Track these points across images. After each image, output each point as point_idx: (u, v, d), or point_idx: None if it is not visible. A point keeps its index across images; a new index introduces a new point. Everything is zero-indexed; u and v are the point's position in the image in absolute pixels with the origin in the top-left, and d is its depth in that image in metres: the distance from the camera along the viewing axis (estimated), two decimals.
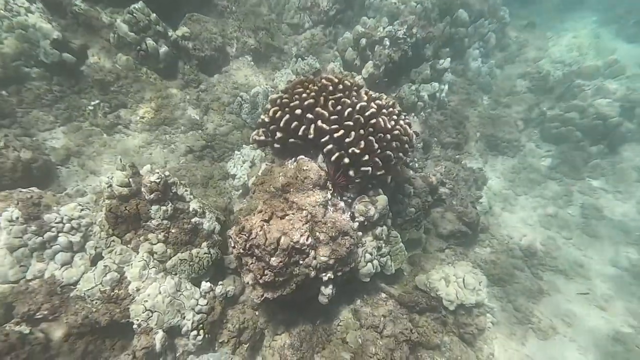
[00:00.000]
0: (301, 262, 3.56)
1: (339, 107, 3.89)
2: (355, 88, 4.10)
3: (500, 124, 7.73)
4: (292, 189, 3.96)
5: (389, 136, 4.02)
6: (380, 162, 4.01)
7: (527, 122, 7.96)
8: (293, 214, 3.64)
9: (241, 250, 3.37)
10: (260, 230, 3.36)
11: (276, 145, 4.20)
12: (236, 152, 6.04)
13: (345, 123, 3.87)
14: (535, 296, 5.25)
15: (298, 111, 3.85)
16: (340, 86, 3.98)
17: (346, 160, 3.96)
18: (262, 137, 4.31)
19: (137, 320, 3.16)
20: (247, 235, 3.37)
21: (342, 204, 4.19)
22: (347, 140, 3.87)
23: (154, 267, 3.46)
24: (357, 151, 3.86)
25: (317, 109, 3.85)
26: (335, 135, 3.86)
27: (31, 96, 4.84)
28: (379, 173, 4.12)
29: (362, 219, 4.26)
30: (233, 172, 5.92)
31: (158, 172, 3.69)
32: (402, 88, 6.81)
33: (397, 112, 4.28)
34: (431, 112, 7.12)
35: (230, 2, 7.24)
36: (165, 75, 6.15)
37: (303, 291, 3.74)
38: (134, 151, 5.61)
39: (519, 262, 5.68)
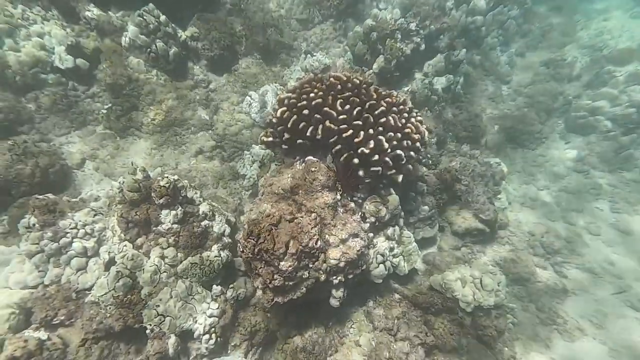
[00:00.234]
0: (311, 265, 3.51)
1: (347, 106, 3.78)
2: (364, 86, 3.97)
3: (520, 115, 7.38)
4: (300, 191, 3.90)
5: (399, 135, 3.89)
6: (390, 162, 3.88)
7: (550, 112, 7.55)
8: (302, 217, 3.58)
9: (250, 255, 3.35)
10: (268, 235, 3.32)
11: (284, 147, 4.14)
12: (245, 152, 6.02)
13: (354, 122, 3.76)
14: (559, 295, 5.01)
15: (306, 111, 3.77)
16: (349, 84, 3.86)
17: (355, 160, 3.86)
18: (270, 139, 4.25)
19: (150, 325, 3.21)
20: (255, 239, 3.34)
21: (352, 204, 4.10)
22: (356, 140, 3.77)
23: (165, 271, 3.49)
24: (367, 151, 3.75)
25: (325, 108, 3.76)
26: (344, 135, 3.76)
27: (48, 102, 4.96)
28: (389, 173, 4.00)
29: (373, 219, 4.16)
30: (243, 172, 5.92)
31: (167, 177, 3.71)
32: (414, 81, 6.58)
33: (408, 109, 4.13)
34: (445, 105, 6.86)
35: (239, 0, 7.16)
36: (175, 76, 6.18)
37: (314, 294, 3.70)
38: (145, 153, 5.69)
39: (541, 260, 5.42)
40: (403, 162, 4.05)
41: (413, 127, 4.00)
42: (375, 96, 3.90)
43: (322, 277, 3.51)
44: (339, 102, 3.80)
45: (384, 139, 3.76)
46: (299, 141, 3.99)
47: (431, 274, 4.94)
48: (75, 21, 5.26)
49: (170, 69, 6.01)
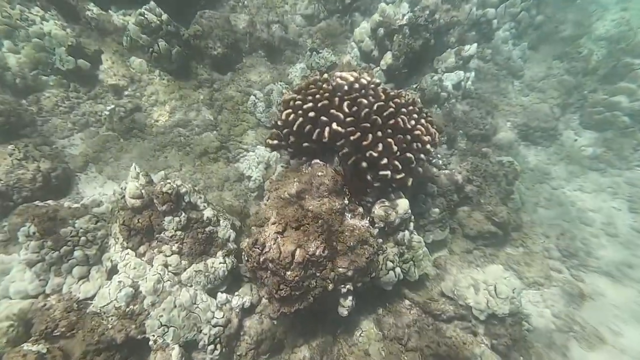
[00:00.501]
0: (318, 274, 3.38)
1: (354, 108, 3.62)
2: (372, 86, 3.79)
3: (533, 111, 7.11)
4: (307, 196, 3.77)
5: (409, 137, 3.72)
6: (400, 165, 3.72)
7: (565, 108, 7.27)
8: (308, 224, 3.44)
9: (255, 265, 3.24)
10: (273, 244, 3.20)
11: (290, 150, 4.00)
12: (250, 152, 5.90)
13: (362, 125, 3.60)
14: (576, 301, 4.82)
15: (311, 114, 3.62)
16: (356, 85, 3.69)
17: (364, 164, 3.71)
18: (276, 141, 4.11)
19: (153, 336, 3.13)
20: (260, 248, 3.22)
21: (360, 209, 3.96)
22: (364, 143, 3.61)
23: (168, 280, 3.40)
24: (375, 154, 3.59)
25: (332, 110, 3.59)
26: (352, 138, 3.60)
27: (50, 104, 4.89)
28: (399, 177, 3.84)
29: (382, 224, 4.02)
30: (248, 174, 5.80)
31: (170, 183, 3.60)
32: (423, 78, 6.37)
33: (417, 109, 3.95)
34: (455, 102, 6.64)
35: None
36: (178, 76, 6.06)
37: (322, 302, 3.58)
38: (149, 155, 5.59)
39: (556, 264, 5.22)
40: (413, 165, 3.88)
41: (423, 129, 3.82)
42: (383, 97, 3.72)
43: (330, 286, 3.39)
44: (345, 103, 3.63)
45: (393, 142, 3.60)
46: (305, 144, 3.85)
47: (442, 278, 4.78)
48: (75, 21, 5.16)
49: (173, 68, 5.89)
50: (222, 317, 3.55)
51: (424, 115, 4.04)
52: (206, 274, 3.76)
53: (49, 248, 3.09)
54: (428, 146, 3.89)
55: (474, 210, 5.30)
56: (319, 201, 3.70)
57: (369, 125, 3.60)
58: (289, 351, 3.81)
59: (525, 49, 7.79)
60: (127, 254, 3.39)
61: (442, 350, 3.76)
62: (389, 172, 3.73)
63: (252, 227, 4.10)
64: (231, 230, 4.26)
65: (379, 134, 3.60)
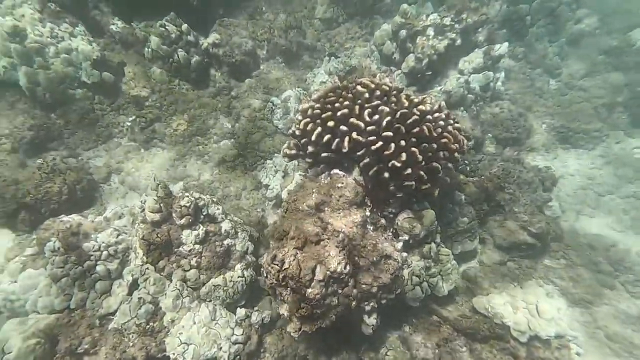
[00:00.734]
0: (340, 291, 3.20)
1: (376, 117, 3.43)
2: (394, 92, 3.59)
3: (573, 111, 6.58)
4: (326, 208, 3.61)
5: (434, 145, 3.49)
6: (425, 176, 3.49)
7: (612, 107, 6.63)
8: (328, 238, 3.28)
9: (274, 281, 3.11)
10: (293, 260, 3.06)
11: (308, 160, 3.86)
12: (268, 161, 5.82)
13: (384, 134, 3.40)
14: (634, 322, 4.33)
15: (331, 123, 3.46)
16: (378, 92, 3.50)
17: (386, 174, 3.51)
18: (294, 151, 3.99)
19: (173, 354, 3.07)
20: (279, 265, 3.09)
21: (382, 220, 3.75)
22: (386, 152, 3.41)
23: (187, 295, 3.35)
24: (398, 164, 3.39)
25: (352, 119, 3.42)
26: (373, 147, 3.42)
27: (76, 117, 5.02)
28: (424, 187, 3.60)
29: (406, 237, 3.79)
30: (266, 182, 5.73)
31: (188, 196, 3.56)
32: (449, 80, 6.05)
33: (444, 116, 3.69)
34: (483, 104, 6.27)
35: (260, 3, 6.97)
36: (197, 85, 6.10)
37: (344, 318, 3.40)
38: (169, 164, 5.64)
39: (607, 279, 4.72)
40: (439, 174, 3.64)
41: (450, 137, 3.57)
42: (406, 104, 3.51)
43: (353, 304, 3.20)
44: (366, 111, 3.45)
45: (417, 151, 3.37)
46: (324, 154, 3.70)
47: (473, 292, 4.48)
48: (100, 35, 5.30)
49: (192, 77, 5.93)
50: (242, 334, 3.46)
51: (451, 121, 3.78)
52: (225, 288, 3.68)
53: (72, 263, 3.11)
54: (456, 154, 3.64)
55: (507, 219, 4.94)
56: (339, 214, 3.54)
57: (391, 134, 3.40)
58: None
59: (564, 45, 7.24)
60: (147, 268, 3.36)
61: None
62: (413, 183, 3.51)
63: (271, 241, 3.99)
64: (249, 242, 4.17)
65: (402, 142, 3.39)
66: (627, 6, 7.55)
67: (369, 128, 3.43)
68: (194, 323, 3.27)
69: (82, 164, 4.72)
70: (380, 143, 3.39)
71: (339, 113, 3.46)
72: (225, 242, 3.85)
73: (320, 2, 7.28)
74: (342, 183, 3.57)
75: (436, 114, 3.69)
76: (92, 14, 5.10)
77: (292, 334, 3.27)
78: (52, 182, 4.12)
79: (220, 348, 3.32)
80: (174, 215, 3.52)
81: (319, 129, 3.54)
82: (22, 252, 3.66)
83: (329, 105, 3.54)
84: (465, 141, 3.81)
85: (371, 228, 3.66)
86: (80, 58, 4.96)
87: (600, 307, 4.46)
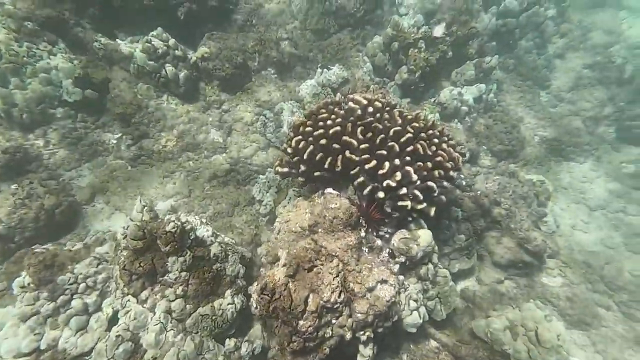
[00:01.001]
0: (334, 321, 3.04)
1: (369, 134, 3.32)
2: (387, 109, 3.49)
3: (564, 124, 6.59)
4: (320, 230, 3.46)
5: (429, 164, 3.37)
6: (420, 195, 3.37)
7: (598, 120, 6.69)
8: (322, 264, 3.13)
9: (264, 312, 2.93)
10: (284, 290, 2.89)
11: (301, 179, 3.71)
12: (261, 175, 5.66)
13: (378, 152, 3.28)
14: (631, 346, 4.23)
15: (323, 141, 3.34)
16: (370, 108, 3.39)
17: (381, 194, 3.38)
18: (286, 169, 3.85)
19: None
20: (270, 295, 2.92)
21: (378, 241, 3.61)
22: (380, 171, 3.29)
23: (172, 329, 3.13)
24: (393, 184, 3.26)
25: (345, 137, 3.31)
26: (367, 166, 3.29)
27: (57, 137, 4.82)
28: (420, 207, 3.48)
29: (403, 259, 3.64)
30: (259, 198, 5.56)
31: (173, 221, 3.36)
32: (442, 92, 6.00)
33: (437, 133, 3.60)
34: (477, 116, 6.23)
35: (251, 15, 6.88)
36: (186, 99, 5.94)
37: (338, 353, 3.22)
38: (157, 182, 5.43)
39: (603, 299, 4.64)
40: (435, 193, 3.52)
41: (445, 155, 3.47)
42: (400, 121, 3.41)
43: (348, 335, 3.03)
44: (359, 129, 3.34)
45: (412, 170, 3.26)
46: (317, 174, 3.57)
47: (472, 314, 4.34)
48: (83, 52, 5.12)
49: (181, 92, 5.77)
50: None
51: (445, 138, 3.69)
52: (213, 317, 3.47)
53: (44, 299, 2.88)
54: (451, 172, 3.53)
55: (504, 235, 4.84)
56: (333, 236, 3.39)
57: (385, 152, 3.29)
58: None
59: (552, 58, 7.32)
60: (128, 300, 3.15)
61: None
62: (409, 203, 3.38)
63: (262, 269, 3.83)
64: (240, 265, 3.97)
65: (397, 161, 3.28)
66: (606, 25, 7.69)
67: (362, 146, 3.32)
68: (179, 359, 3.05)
69: (63, 186, 4.50)
70: (374, 162, 3.28)
71: (331, 131, 3.34)
72: (214, 267, 3.65)
73: (311, 13, 7.22)
74: (336, 203, 3.43)
75: (430, 131, 3.60)
76: (73, 32, 4.92)
77: None
78: (27, 208, 3.89)
79: None
80: (158, 242, 3.32)
81: (311, 147, 3.41)
82: None
83: (321, 123, 3.42)
84: (461, 158, 3.71)
85: (366, 250, 3.52)
86: (61, 76, 4.77)
87: (599, 329, 4.35)
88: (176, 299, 3.31)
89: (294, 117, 5.78)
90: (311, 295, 2.91)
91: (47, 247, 3.36)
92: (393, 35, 5.80)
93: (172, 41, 5.36)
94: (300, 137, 3.53)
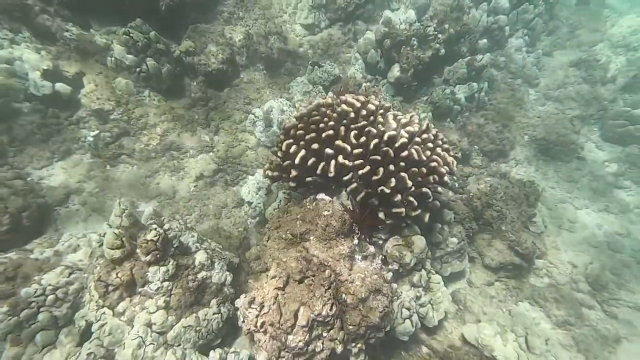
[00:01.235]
0: (325, 335, 2.92)
1: (363, 139, 3.17)
2: (381, 111, 3.34)
3: (551, 123, 6.62)
4: (311, 237, 3.32)
5: (424, 170, 3.28)
6: (415, 202, 3.27)
7: (584, 119, 6.77)
8: (313, 275, 2.99)
9: (252, 327, 2.78)
10: (273, 304, 2.75)
11: (292, 184, 3.55)
12: (250, 177, 5.45)
13: (372, 157, 3.15)
14: (610, 343, 4.30)
15: (315, 145, 3.18)
16: (364, 111, 3.24)
17: (374, 201, 3.26)
18: (276, 173, 3.67)
19: None
20: (258, 309, 2.77)
21: (371, 248, 3.50)
22: (374, 177, 3.17)
23: (151, 343, 2.95)
24: (387, 191, 3.14)
25: (338, 142, 3.16)
26: (360, 172, 3.16)
27: (23, 133, 4.46)
28: (414, 214, 3.38)
29: (396, 266, 3.56)
30: (248, 199, 5.36)
31: (155, 229, 3.15)
32: (434, 91, 5.90)
33: (432, 137, 3.49)
34: (469, 115, 6.17)
35: (237, 8, 6.57)
36: (170, 96, 5.63)
37: None
38: (139, 183, 5.15)
39: (586, 298, 4.71)
40: (430, 199, 3.43)
41: (440, 159, 3.36)
42: (394, 125, 3.28)
43: (339, 348, 2.92)
44: (352, 133, 3.20)
45: (406, 176, 3.15)
46: (309, 179, 3.41)
47: (462, 318, 4.31)
48: (51, 42, 4.73)
49: (164, 88, 5.46)
50: None
51: (440, 142, 3.58)
52: (197, 328, 3.31)
53: (4, 314, 2.64)
54: (445, 178, 3.43)
55: (495, 237, 4.83)
56: (325, 244, 3.26)
57: (379, 157, 3.16)
58: None
59: (541, 55, 7.32)
60: (104, 313, 2.94)
61: None
62: (403, 210, 3.28)
63: (249, 277, 3.67)
64: (227, 273, 3.80)
65: (391, 167, 3.16)
66: (592, 23, 7.75)
67: (356, 151, 3.18)
68: None
69: (31, 186, 4.18)
70: (368, 167, 3.15)
71: (323, 134, 3.19)
72: (199, 276, 3.47)
73: (301, 7, 6.97)
74: (329, 210, 3.29)
75: (424, 135, 3.49)
76: (38, 19, 4.52)
77: None
78: None
79: None
80: (138, 251, 3.11)
81: (303, 151, 3.25)
82: None
83: (313, 126, 3.26)
84: (455, 162, 3.61)
85: (359, 258, 3.40)
86: (27, 68, 4.40)
87: (582, 328, 4.41)
88: (157, 310, 3.13)
89: (284, 116, 5.57)
90: (302, 309, 2.78)
91: (9, 255, 3.08)
92: (385, 32, 5.64)
93: (152, 33, 5.04)
94: (291, 140, 3.36)
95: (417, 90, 6.10)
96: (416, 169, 3.25)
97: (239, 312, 2.93)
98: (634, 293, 4.82)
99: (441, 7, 6.25)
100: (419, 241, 3.62)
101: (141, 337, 2.91)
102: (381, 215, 3.33)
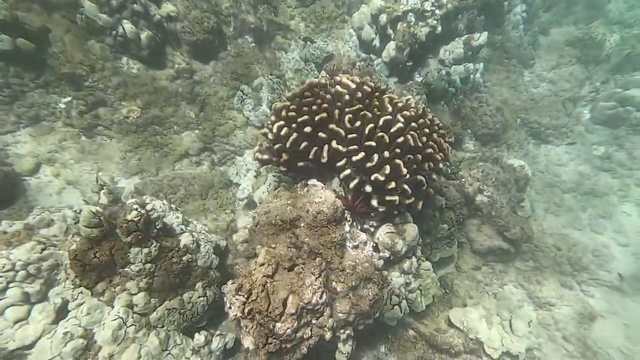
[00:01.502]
0: (314, 322, 2.89)
1: (357, 123, 3.00)
2: (377, 94, 3.16)
3: (543, 105, 6.56)
4: (302, 224, 3.20)
5: (420, 157, 3.15)
6: (409, 190, 3.17)
7: (576, 101, 6.72)
8: (303, 263, 2.91)
9: (239, 314, 2.71)
10: (262, 292, 2.66)
11: (282, 168, 3.38)
12: (238, 158, 5.25)
13: (366, 143, 3.00)
14: (586, 321, 4.49)
15: (308, 129, 2.99)
16: (359, 93, 3.05)
17: (368, 188, 3.14)
18: (266, 156, 3.48)
19: None
20: (245, 296, 2.69)
21: (363, 236, 3.42)
22: (368, 164, 3.03)
23: (133, 324, 2.85)
24: (382, 178, 3.02)
25: (331, 125, 2.98)
26: (354, 158, 3.01)
27: None
28: (408, 202, 3.29)
29: (387, 254, 3.51)
30: (236, 181, 5.19)
31: (136, 209, 2.97)
32: (429, 72, 5.69)
33: (428, 122, 3.34)
34: (464, 98, 6.03)
35: None
36: (151, 65, 5.24)
37: (316, 352, 3.11)
38: (119, 157, 4.89)
39: (568, 280, 4.86)
40: (424, 187, 3.34)
41: (435, 146, 3.25)
42: (390, 109, 3.11)
43: (328, 335, 2.90)
44: (347, 117, 3.02)
45: (402, 164, 3.02)
46: (300, 164, 3.25)
47: (449, 302, 4.39)
48: None
49: (144, 55, 5.06)
50: None
51: (436, 127, 3.45)
52: (182, 311, 3.24)
53: None
54: (440, 165, 3.34)
55: (484, 223, 4.85)
56: (316, 232, 3.15)
57: (374, 143, 3.01)
58: None
59: (537, 34, 7.11)
60: (81, 292, 2.80)
61: None
62: (397, 198, 3.18)
63: (237, 260, 3.57)
64: (213, 256, 3.69)
65: (386, 154, 3.03)
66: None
67: (350, 136, 3.02)
68: (140, 357, 2.81)
69: None
70: (362, 154, 3.00)
71: (317, 117, 3.00)
72: (184, 259, 3.35)
73: None
74: (321, 197, 3.16)
75: (421, 120, 3.33)
76: None
77: None
78: None
79: None
80: (118, 231, 2.94)
81: (295, 134, 3.06)
82: None
83: (306, 108, 3.05)
84: (450, 149, 3.51)
85: (350, 245, 3.33)
86: None
87: (561, 308, 4.58)
88: (139, 292, 3.02)
89: (275, 95, 5.30)
90: (291, 297, 2.71)
91: None
92: (381, 7, 5.31)
93: None
94: (282, 122, 3.15)
95: (412, 70, 5.87)
96: (411, 156, 3.13)
97: (225, 298, 2.84)
98: (611, 272, 5.00)
99: None
100: (411, 229, 3.57)
101: (122, 318, 2.81)
102: (374, 202, 3.22)
